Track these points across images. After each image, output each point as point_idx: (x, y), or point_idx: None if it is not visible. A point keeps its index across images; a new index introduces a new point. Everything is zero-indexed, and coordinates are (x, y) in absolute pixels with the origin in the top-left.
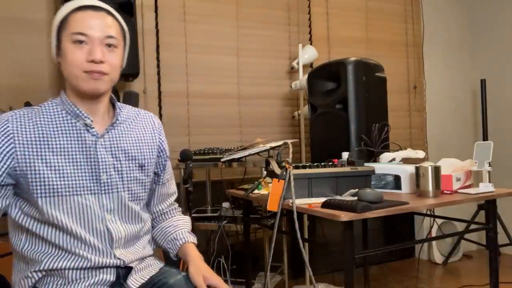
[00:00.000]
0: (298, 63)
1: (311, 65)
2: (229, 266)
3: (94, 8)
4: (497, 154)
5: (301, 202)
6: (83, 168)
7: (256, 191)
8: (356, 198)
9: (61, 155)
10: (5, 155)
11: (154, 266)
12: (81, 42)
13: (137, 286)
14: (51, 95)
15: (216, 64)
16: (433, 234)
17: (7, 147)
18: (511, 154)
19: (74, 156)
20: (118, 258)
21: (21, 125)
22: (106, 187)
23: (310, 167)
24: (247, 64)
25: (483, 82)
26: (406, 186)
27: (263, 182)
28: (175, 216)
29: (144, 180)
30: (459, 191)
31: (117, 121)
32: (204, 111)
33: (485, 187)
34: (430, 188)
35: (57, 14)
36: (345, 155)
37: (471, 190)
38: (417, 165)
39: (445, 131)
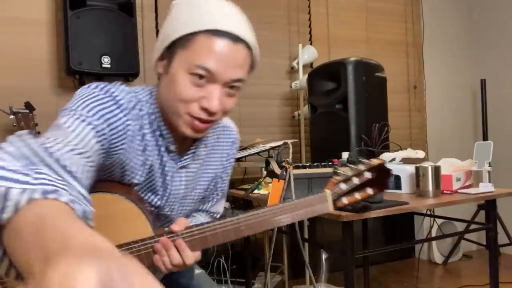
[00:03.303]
0: (298, 63)
1: (311, 65)
2: (229, 266)
3: (234, 39)
4: (497, 154)
5: None
6: (152, 189)
7: (256, 191)
8: None
9: (142, 166)
10: (112, 148)
11: None
12: (201, 77)
13: None
14: (51, 96)
15: None
16: (433, 234)
17: (118, 143)
18: (511, 154)
19: (152, 173)
20: None
21: (136, 129)
22: (162, 215)
23: (310, 167)
24: None
25: (483, 82)
26: (406, 186)
27: (263, 182)
28: (199, 215)
29: (195, 207)
30: (459, 191)
31: (198, 150)
32: None
33: (485, 187)
34: (430, 188)
35: (181, 17)
36: (345, 155)
37: (471, 190)
38: (417, 165)
39: (445, 131)
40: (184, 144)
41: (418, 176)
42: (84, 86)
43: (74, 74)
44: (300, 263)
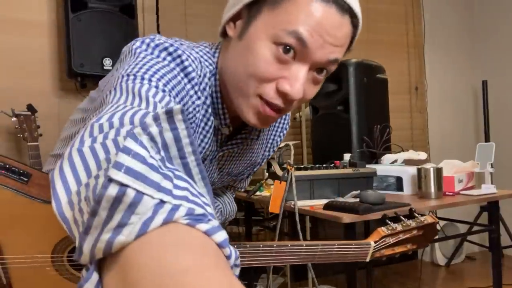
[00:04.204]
0: None
1: None
2: None
3: (342, 9)
4: (499, 155)
5: (303, 204)
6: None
7: (258, 193)
8: (358, 199)
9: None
10: None
11: None
12: (288, 50)
13: None
14: (53, 98)
15: None
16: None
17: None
18: None
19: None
20: None
21: (203, 109)
22: None
23: (311, 168)
24: None
25: (484, 83)
26: (408, 188)
27: (264, 184)
28: (225, 194)
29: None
30: (461, 192)
31: (248, 137)
32: None
33: (487, 189)
34: (432, 189)
35: None
36: (346, 156)
37: (473, 192)
38: (419, 166)
39: (447, 132)
40: (233, 127)
41: (420, 177)
42: (144, 43)
43: (75, 77)
44: (302, 265)
